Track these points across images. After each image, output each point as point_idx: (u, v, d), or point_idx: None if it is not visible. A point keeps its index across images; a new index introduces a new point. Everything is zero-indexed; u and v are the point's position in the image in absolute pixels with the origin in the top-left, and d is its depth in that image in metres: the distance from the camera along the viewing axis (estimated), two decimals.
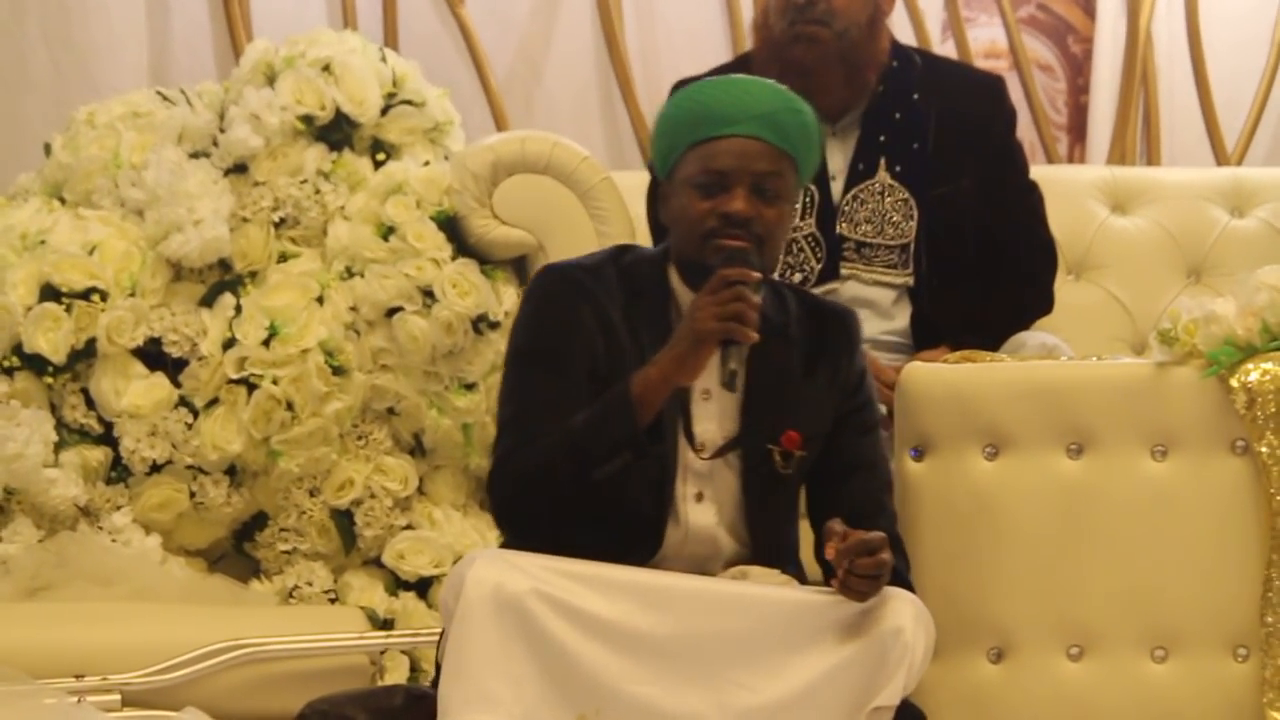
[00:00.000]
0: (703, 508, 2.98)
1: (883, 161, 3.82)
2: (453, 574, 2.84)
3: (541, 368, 2.97)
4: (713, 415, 2.99)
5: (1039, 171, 4.18)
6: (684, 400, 2.97)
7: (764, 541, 3.00)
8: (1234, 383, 3.25)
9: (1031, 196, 3.95)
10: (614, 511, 2.92)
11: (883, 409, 3.63)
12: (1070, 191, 4.37)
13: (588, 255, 3.16)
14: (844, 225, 3.81)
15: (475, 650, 2.75)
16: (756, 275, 2.89)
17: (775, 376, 3.00)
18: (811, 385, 3.02)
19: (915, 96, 3.84)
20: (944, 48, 4.92)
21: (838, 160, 3.84)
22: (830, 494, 3.04)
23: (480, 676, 2.75)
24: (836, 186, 3.82)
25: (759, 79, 3.08)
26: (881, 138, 3.82)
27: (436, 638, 3.05)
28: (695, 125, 2.96)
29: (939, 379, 3.32)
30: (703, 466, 2.98)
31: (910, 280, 3.82)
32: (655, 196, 4.00)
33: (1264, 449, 3.24)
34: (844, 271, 3.81)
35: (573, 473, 2.87)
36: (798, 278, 3.80)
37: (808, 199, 3.80)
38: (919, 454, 3.30)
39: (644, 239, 3.95)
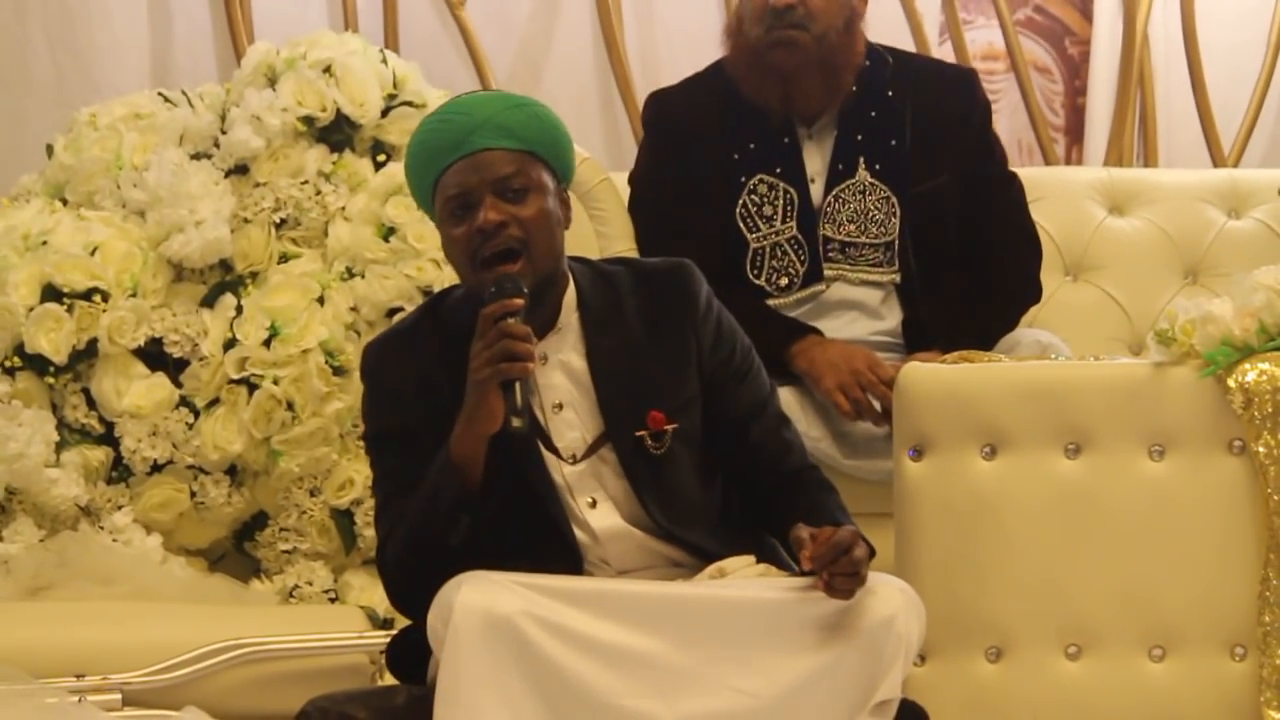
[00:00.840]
0: (601, 511, 2.95)
1: (862, 160, 3.83)
2: (440, 599, 2.80)
3: (390, 449, 2.96)
4: (572, 423, 2.96)
5: (1037, 173, 4.20)
6: (536, 422, 2.94)
7: (675, 517, 2.95)
8: (1231, 383, 3.25)
9: (1012, 187, 3.96)
10: (520, 550, 2.89)
11: (878, 406, 3.65)
12: (1068, 193, 4.38)
13: (407, 315, 3.17)
14: (827, 227, 3.81)
15: (469, 677, 2.73)
16: (517, 302, 2.83)
17: (621, 361, 2.96)
18: (662, 355, 2.98)
19: (890, 94, 3.85)
20: (942, 50, 4.93)
21: (815, 162, 3.84)
22: (734, 449, 3.01)
23: (477, 704, 2.73)
24: (816, 189, 3.83)
25: (474, 95, 3.07)
26: (859, 137, 3.83)
27: (387, 640, 3.06)
28: (429, 163, 2.94)
29: (937, 379, 3.32)
30: (583, 474, 2.95)
31: (897, 277, 3.83)
32: (635, 206, 4.02)
33: (1261, 448, 3.24)
34: (828, 272, 3.81)
35: (431, 548, 2.85)
36: (784, 281, 3.80)
37: (786, 202, 3.81)
38: (917, 454, 3.30)
39: None
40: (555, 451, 2.96)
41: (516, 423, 2.81)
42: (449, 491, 2.85)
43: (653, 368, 2.97)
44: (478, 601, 2.74)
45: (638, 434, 2.94)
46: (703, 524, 2.99)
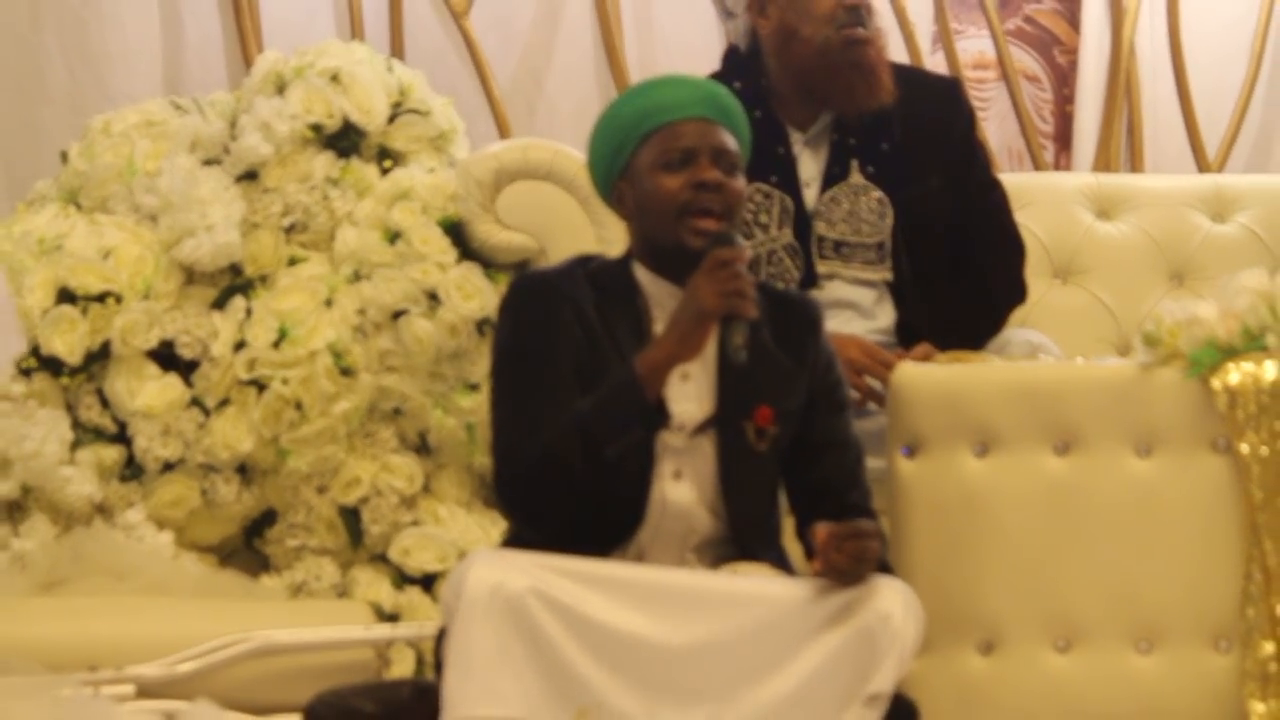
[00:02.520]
0: (681, 486, 3.04)
1: (855, 163, 3.86)
2: (454, 573, 2.88)
3: (531, 368, 3.03)
4: (691, 395, 3.05)
5: (1027, 179, 4.21)
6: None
7: (740, 520, 3.04)
8: (1215, 383, 3.28)
9: (995, 192, 3.96)
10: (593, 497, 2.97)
11: (877, 384, 3.69)
12: (1056, 198, 4.36)
13: (553, 265, 3.25)
14: (821, 225, 3.83)
15: (479, 647, 2.79)
16: (749, 254, 3.00)
17: (749, 354, 3.04)
18: (783, 363, 3.09)
19: None
20: (934, 59, 4.94)
21: (810, 168, 3.85)
22: (806, 472, 3.10)
23: (485, 672, 2.79)
24: (810, 194, 3.83)
25: (693, 76, 3.20)
26: (851, 141, 3.86)
27: (437, 632, 3.10)
28: (645, 117, 3.07)
29: (930, 379, 3.36)
30: (681, 445, 3.04)
31: (889, 275, 3.84)
32: None
33: (1244, 447, 3.27)
34: (822, 270, 3.81)
35: (585, 452, 2.93)
36: (779, 288, 3.84)
37: (782, 210, 3.84)
38: (910, 452, 3.33)
39: None
40: (667, 418, 3.04)
41: (742, 355, 2.95)
42: (630, 402, 2.95)
43: (773, 370, 3.07)
44: (489, 577, 2.81)
45: (744, 422, 3.04)
46: (760, 537, 3.07)
